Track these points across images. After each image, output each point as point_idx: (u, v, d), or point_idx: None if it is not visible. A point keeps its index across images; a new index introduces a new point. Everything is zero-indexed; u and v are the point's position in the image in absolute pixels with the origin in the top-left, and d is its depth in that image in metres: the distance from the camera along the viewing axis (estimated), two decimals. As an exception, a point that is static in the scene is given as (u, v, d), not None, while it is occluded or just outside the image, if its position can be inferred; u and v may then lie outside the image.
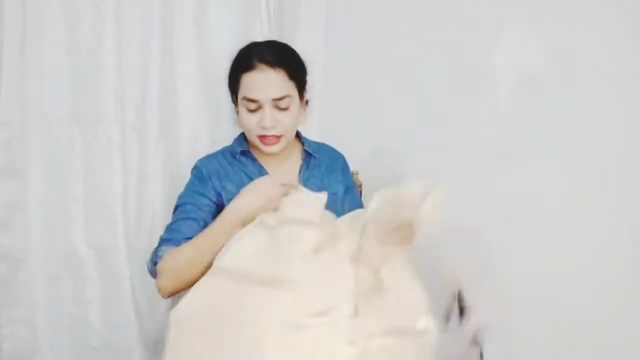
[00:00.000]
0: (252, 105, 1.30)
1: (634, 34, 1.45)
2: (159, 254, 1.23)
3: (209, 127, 1.76)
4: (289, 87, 1.31)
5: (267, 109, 1.29)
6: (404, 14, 1.74)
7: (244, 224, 1.17)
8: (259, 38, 1.78)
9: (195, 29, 1.74)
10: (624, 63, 1.46)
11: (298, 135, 1.46)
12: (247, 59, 1.31)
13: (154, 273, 1.25)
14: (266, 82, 1.29)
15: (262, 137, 1.32)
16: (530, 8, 1.56)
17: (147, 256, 1.68)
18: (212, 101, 1.76)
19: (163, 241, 1.26)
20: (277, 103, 1.29)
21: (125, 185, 1.65)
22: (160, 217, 1.71)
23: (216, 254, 1.13)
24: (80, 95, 1.62)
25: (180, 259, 1.18)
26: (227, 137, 1.70)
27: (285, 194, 1.19)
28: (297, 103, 1.35)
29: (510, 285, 1.60)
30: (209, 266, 1.13)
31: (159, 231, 1.69)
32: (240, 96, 1.32)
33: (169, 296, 1.22)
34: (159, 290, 1.21)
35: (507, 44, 1.60)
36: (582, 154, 1.52)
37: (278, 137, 1.32)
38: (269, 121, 1.29)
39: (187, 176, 1.47)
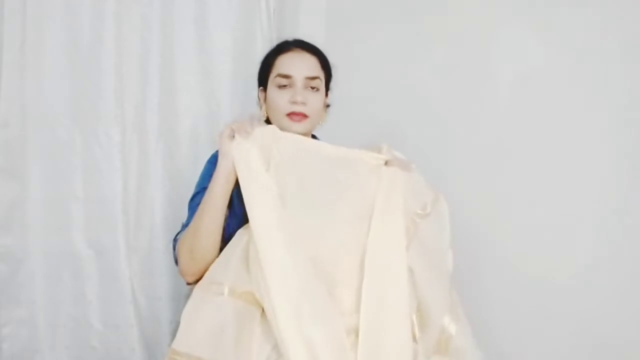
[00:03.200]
0: (285, 81, 1.34)
1: (633, 34, 1.45)
2: (176, 240, 1.30)
3: (209, 127, 1.76)
4: (320, 73, 1.38)
5: (300, 86, 1.34)
6: (403, 13, 1.74)
7: (231, 180, 1.23)
8: (259, 38, 1.79)
9: (195, 29, 1.74)
10: (624, 62, 1.46)
11: (315, 139, 1.47)
12: (283, 44, 1.40)
13: (176, 260, 1.30)
14: (301, 61, 1.36)
15: (290, 114, 1.33)
16: (530, 8, 1.56)
17: (147, 256, 1.69)
18: (212, 101, 1.76)
19: (182, 227, 1.32)
20: (309, 82, 1.34)
21: (125, 185, 1.65)
22: (160, 217, 1.71)
23: (217, 217, 1.22)
24: (80, 95, 1.62)
25: (187, 236, 1.25)
26: (227, 137, 1.70)
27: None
28: (324, 92, 1.40)
29: (508, 284, 1.60)
30: (216, 231, 1.22)
31: (159, 231, 1.70)
32: (272, 75, 1.36)
33: (192, 280, 1.26)
34: (182, 276, 1.27)
35: (507, 43, 1.60)
36: (582, 153, 1.52)
37: (306, 116, 1.34)
38: (301, 96, 1.32)
39: (187, 176, 1.47)
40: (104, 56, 1.62)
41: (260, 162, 1.21)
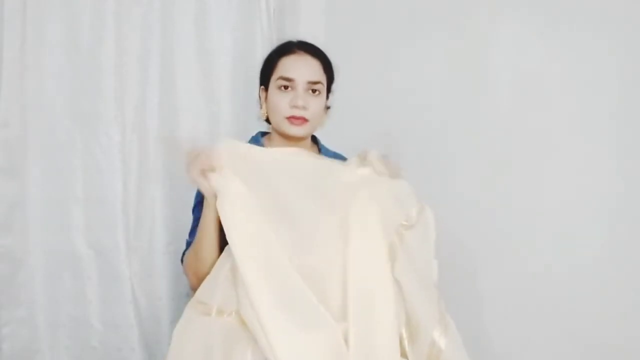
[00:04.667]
0: (287, 84, 1.34)
1: (633, 34, 1.45)
2: (183, 258, 1.35)
3: (209, 127, 1.76)
4: (322, 77, 1.37)
5: (301, 90, 1.33)
6: (403, 14, 1.74)
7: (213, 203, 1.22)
8: (259, 38, 1.79)
9: (195, 29, 1.74)
10: (623, 62, 1.46)
11: (315, 141, 1.47)
12: (286, 45, 1.39)
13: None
14: (304, 64, 1.35)
15: (290, 118, 1.33)
16: (530, 8, 1.56)
17: (147, 256, 1.70)
18: (212, 101, 1.76)
19: (187, 244, 1.35)
20: (311, 86, 1.34)
21: (125, 185, 1.65)
22: (160, 217, 1.71)
23: (213, 241, 1.24)
24: (80, 95, 1.62)
25: (190, 260, 1.30)
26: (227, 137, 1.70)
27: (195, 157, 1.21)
28: (324, 96, 1.39)
29: (508, 283, 1.60)
30: (213, 253, 1.24)
31: (159, 231, 1.71)
32: (274, 77, 1.35)
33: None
34: (193, 292, 1.30)
35: (507, 43, 1.60)
36: (582, 153, 1.52)
37: (306, 120, 1.34)
38: (302, 101, 1.32)
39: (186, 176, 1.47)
40: (104, 56, 1.62)
41: (241, 185, 1.19)
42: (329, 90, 1.42)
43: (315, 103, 1.34)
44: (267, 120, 1.41)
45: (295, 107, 1.32)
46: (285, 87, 1.34)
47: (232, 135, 1.71)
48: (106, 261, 1.64)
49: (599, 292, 1.50)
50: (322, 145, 1.47)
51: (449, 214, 1.43)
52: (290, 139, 1.37)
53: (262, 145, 1.41)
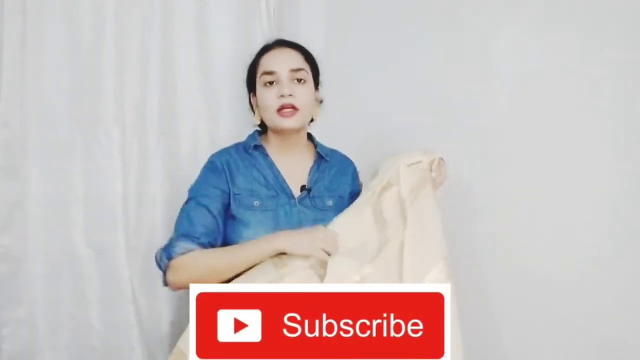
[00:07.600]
0: (270, 78, 1.35)
1: (633, 34, 1.45)
2: (176, 249, 1.26)
3: (209, 127, 1.76)
4: (305, 65, 1.39)
5: (285, 80, 1.35)
6: (403, 14, 1.74)
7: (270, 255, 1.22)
8: (259, 38, 1.79)
9: (195, 29, 1.74)
10: (624, 63, 1.46)
11: (311, 138, 1.49)
12: (265, 46, 1.44)
13: (163, 265, 1.27)
14: (284, 55, 1.39)
15: (280, 110, 1.34)
16: (530, 8, 1.56)
17: (147, 256, 1.69)
18: (212, 101, 1.77)
19: (181, 236, 1.28)
20: (294, 75, 1.36)
21: (125, 185, 1.65)
22: (160, 217, 1.71)
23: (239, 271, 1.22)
24: (80, 95, 1.62)
25: (204, 266, 1.24)
26: (227, 137, 1.70)
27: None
28: (312, 86, 1.40)
29: (508, 284, 1.61)
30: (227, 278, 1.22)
31: (159, 231, 1.70)
32: (259, 76, 1.38)
33: (176, 289, 1.29)
34: (169, 283, 1.26)
35: (507, 43, 1.60)
36: (582, 153, 1.52)
37: (296, 109, 1.34)
38: (287, 89, 1.33)
39: (187, 176, 1.47)
40: (104, 56, 1.62)
41: None
42: (316, 81, 1.43)
43: (302, 91, 1.35)
44: (261, 126, 1.43)
45: (282, 96, 1.33)
46: (270, 83, 1.35)
47: (232, 135, 1.71)
48: (106, 261, 1.64)
49: (599, 291, 1.50)
50: (318, 143, 1.47)
51: (448, 212, 1.43)
52: (285, 134, 1.37)
53: (258, 142, 1.42)
